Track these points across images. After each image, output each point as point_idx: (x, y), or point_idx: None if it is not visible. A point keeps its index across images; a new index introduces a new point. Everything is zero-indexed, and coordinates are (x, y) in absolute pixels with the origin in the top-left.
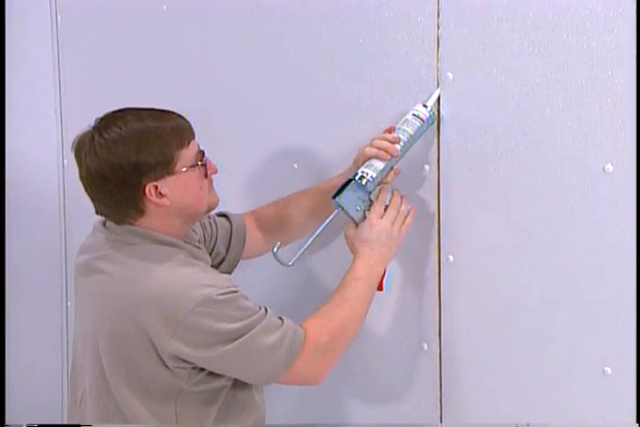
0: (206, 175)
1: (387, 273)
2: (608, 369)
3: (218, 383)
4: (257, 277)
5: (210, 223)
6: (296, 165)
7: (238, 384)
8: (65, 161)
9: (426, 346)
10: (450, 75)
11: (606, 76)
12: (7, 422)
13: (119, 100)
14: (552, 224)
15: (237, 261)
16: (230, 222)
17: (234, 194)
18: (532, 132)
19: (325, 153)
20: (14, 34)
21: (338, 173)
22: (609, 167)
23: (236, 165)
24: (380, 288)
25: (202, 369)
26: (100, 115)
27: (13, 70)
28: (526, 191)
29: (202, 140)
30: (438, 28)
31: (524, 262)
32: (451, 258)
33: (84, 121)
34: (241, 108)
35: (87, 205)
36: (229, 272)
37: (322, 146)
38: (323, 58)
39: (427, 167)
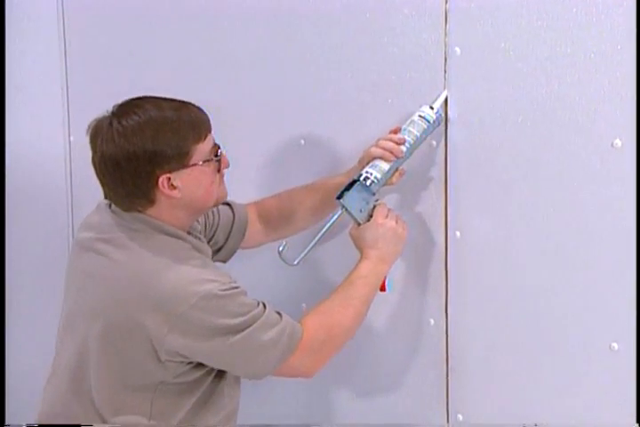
0: (219, 170)
1: (388, 275)
2: (615, 345)
3: (198, 375)
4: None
5: (212, 212)
6: (303, 141)
7: (216, 377)
8: (71, 137)
9: (432, 321)
10: (457, 49)
11: (615, 50)
12: (7, 423)
13: (125, 76)
14: (560, 200)
15: (235, 251)
16: (233, 212)
17: (240, 169)
18: (540, 107)
19: (332, 129)
20: (19, 9)
21: (344, 148)
22: (617, 142)
23: (242, 142)
24: (382, 289)
25: (189, 362)
26: (115, 99)
27: (18, 45)
28: (534, 166)
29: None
30: (446, 2)
31: (532, 238)
32: (458, 234)
33: (91, 96)
34: (248, 87)
35: (94, 182)
36: (225, 261)
37: (328, 121)
38: (329, 33)
39: (434, 143)
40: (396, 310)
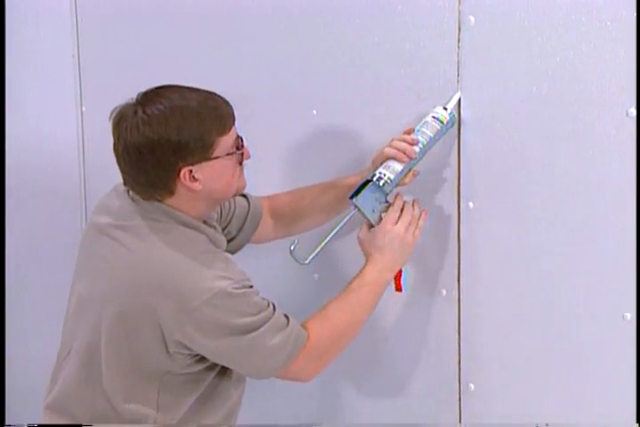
0: (240, 162)
1: (403, 273)
2: (628, 315)
3: (202, 367)
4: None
5: (229, 201)
6: (315, 112)
7: (221, 371)
8: (83, 108)
9: (445, 292)
10: (471, 18)
11: (631, 18)
12: (7, 423)
13: (136, 46)
14: (574, 170)
15: (245, 244)
16: (249, 203)
17: (252, 139)
18: (554, 76)
19: (345, 99)
20: None
21: (356, 120)
22: (632, 111)
23: (255, 112)
24: (398, 289)
25: (196, 355)
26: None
27: (29, 14)
28: (548, 135)
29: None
30: None
31: (545, 207)
32: (470, 204)
33: (103, 65)
34: (261, 61)
35: (106, 157)
36: (234, 253)
37: (341, 92)
38: (340, 4)
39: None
40: (409, 280)
